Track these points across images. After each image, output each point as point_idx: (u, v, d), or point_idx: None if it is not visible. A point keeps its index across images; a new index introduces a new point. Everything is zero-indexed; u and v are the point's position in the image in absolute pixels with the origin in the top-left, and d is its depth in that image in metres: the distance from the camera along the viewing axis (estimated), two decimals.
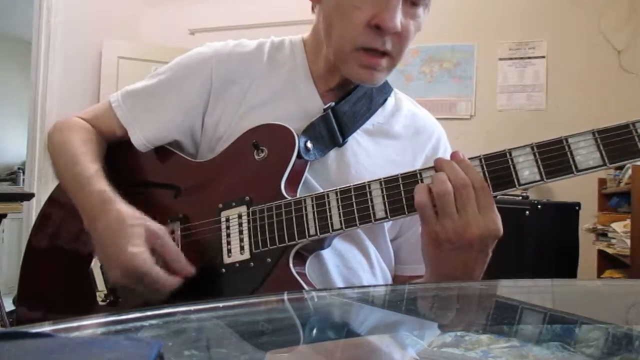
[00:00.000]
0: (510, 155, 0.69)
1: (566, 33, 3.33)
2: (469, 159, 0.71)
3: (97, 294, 0.87)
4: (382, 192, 0.73)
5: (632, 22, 3.21)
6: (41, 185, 3.34)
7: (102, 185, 0.81)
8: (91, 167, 0.84)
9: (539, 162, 0.67)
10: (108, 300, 0.86)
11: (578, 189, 2.88)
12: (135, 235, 0.74)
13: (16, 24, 5.17)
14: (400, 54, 0.83)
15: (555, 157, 0.67)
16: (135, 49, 3.89)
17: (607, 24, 3.23)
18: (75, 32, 3.68)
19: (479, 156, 0.70)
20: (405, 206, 0.72)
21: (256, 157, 0.83)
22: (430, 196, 0.70)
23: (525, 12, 3.42)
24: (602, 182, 3.00)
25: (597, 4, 3.26)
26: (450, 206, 0.69)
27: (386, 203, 0.73)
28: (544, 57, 3.40)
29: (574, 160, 0.66)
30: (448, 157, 0.95)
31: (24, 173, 4.10)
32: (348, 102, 0.89)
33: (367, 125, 0.91)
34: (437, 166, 0.72)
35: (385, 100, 0.95)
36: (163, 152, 0.92)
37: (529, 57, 3.42)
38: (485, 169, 0.70)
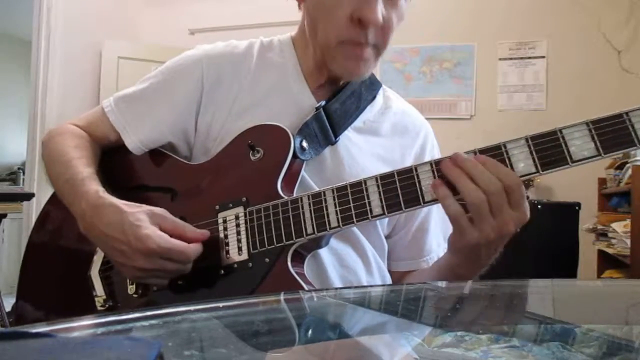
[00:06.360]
0: (505, 148, 0.69)
1: (566, 33, 3.34)
2: (464, 153, 0.71)
3: (97, 299, 0.87)
4: (379, 188, 0.73)
5: (632, 22, 3.22)
6: (41, 185, 3.34)
7: (95, 186, 0.80)
8: (84, 171, 0.83)
9: (534, 154, 0.67)
10: (107, 305, 0.86)
11: (578, 189, 2.88)
12: (139, 219, 0.74)
13: (16, 24, 5.18)
14: (385, 44, 0.85)
15: (550, 149, 0.66)
16: (135, 49, 3.89)
17: (607, 24, 3.23)
18: (75, 32, 3.68)
19: (474, 150, 0.70)
20: (402, 202, 0.72)
21: (252, 157, 0.83)
22: (461, 205, 0.70)
23: (525, 12, 3.42)
24: (602, 182, 2.99)
25: (597, 4, 3.27)
26: (486, 213, 0.68)
27: (383, 199, 0.73)
28: (544, 57, 3.40)
29: (568, 151, 0.65)
30: (436, 155, 0.96)
31: (24, 173, 4.09)
32: (338, 100, 0.90)
33: (358, 122, 0.92)
34: (465, 169, 0.69)
35: (374, 97, 0.96)
36: (159, 155, 0.92)
37: (529, 57, 3.43)
38: None
